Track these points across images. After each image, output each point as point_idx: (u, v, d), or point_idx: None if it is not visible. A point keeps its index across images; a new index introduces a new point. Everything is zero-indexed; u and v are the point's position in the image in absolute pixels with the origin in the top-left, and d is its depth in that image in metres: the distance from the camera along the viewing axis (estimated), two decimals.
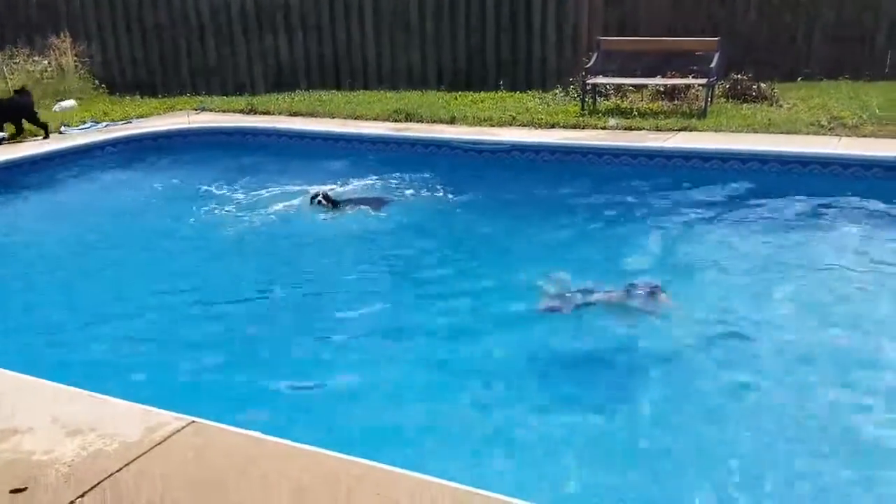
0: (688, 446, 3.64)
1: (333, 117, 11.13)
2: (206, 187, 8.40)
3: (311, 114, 11.37)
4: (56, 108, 11.91)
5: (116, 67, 13.96)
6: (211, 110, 12.03)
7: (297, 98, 12.54)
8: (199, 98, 12.90)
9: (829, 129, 8.75)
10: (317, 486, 2.75)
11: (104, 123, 11.02)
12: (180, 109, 12.16)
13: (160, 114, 11.92)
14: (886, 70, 12.04)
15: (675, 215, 7.09)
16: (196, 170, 9.42)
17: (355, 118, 10.99)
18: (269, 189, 8.25)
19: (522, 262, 6.14)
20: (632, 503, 3.26)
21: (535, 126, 9.89)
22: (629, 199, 7.63)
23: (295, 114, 11.44)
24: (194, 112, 11.89)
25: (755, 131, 8.86)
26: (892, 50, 12.00)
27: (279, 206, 7.69)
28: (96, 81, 13.54)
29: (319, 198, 7.37)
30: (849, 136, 8.52)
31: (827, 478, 3.40)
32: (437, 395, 4.18)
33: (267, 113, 11.58)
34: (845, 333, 4.65)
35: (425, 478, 2.76)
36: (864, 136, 8.50)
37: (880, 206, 6.90)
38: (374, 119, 10.87)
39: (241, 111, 11.75)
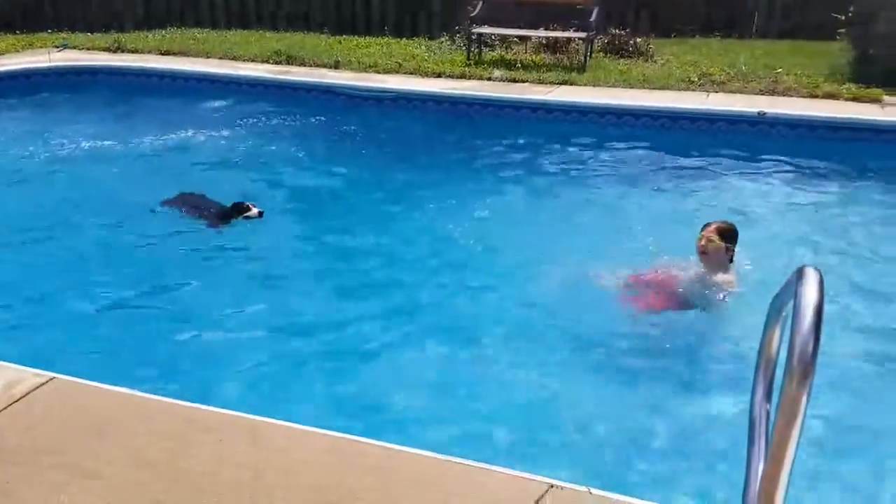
0: None
1: (208, 57, 10.60)
2: (66, 131, 7.82)
3: (184, 53, 10.77)
4: None
5: None
6: (74, 48, 11.14)
7: (168, 36, 11.85)
8: (62, 35, 11.91)
9: (700, 85, 9.15)
10: (173, 437, 2.71)
11: None
12: (40, 47, 11.15)
13: (17, 51, 10.94)
14: (754, 29, 12.68)
15: (553, 166, 7.27)
16: (57, 113, 8.77)
17: (232, 59, 10.52)
18: (138, 134, 7.81)
19: (406, 214, 6.14)
20: None
21: (421, 74, 9.79)
22: (511, 150, 7.75)
23: (166, 53, 10.80)
24: (56, 50, 10.95)
25: (631, 86, 9.15)
26: (759, 10, 12.64)
27: (147, 153, 7.32)
28: None
29: (251, 213, 5.60)
30: (717, 91, 8.94)
31: None
32: (282, 345, 4.18)
33: (136, 51, 10.87)
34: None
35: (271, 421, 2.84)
36: (731, 91, 8.94)
37: (742, 158, 7.32)
38: (252, 61, 10.45)
39: (108, 49, 10.94)
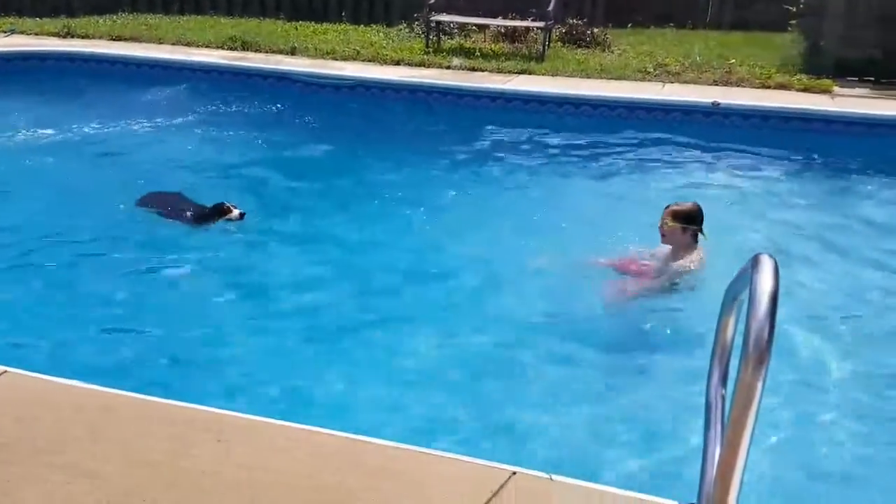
0: None
1: (161, 43, 10.37)
2: (13, 119, 7.57)
3: (136, 39, 10.52)
4: None
5: None
6: (22, 33, 10.78)
7: (120, 21, 11.55)
8: (9, 20, 11.51)
9: (656, 76, 9.27)
10: (170, 438, 2.66)
11: None
12: None
13: None
14: (708, 19, 12.88)
15: (511, 155, 7.30)
16: (3, 100, 8.48)
17: (185, 45, 10.31)
18: (88, 122, 7.61)
19: (365, 203, 6.11)
20: None
21: (379, 62, 9.73)
22: (471, 139, 7.75)
23: (118, 38, 10.54)
24: (3, 35, 10.60)
25: (588, 76, 9.22)
26: (713, 1, 12.84)
27: (98, 142, 7.14)
28: None
29: (233, 216, 5.32)
30: (672, 82, 9.07)
31: None
32: (254, 339, 4.12)
33: (86, 37, 10.58)
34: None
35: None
36: (686, 82, 9.07)
37: (697, 148, 7.44)
38: (207, 47, 10.25)
39: (57, 35, 10.63)
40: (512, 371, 3.87)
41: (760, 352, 1.57)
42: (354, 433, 2.72)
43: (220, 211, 5.34)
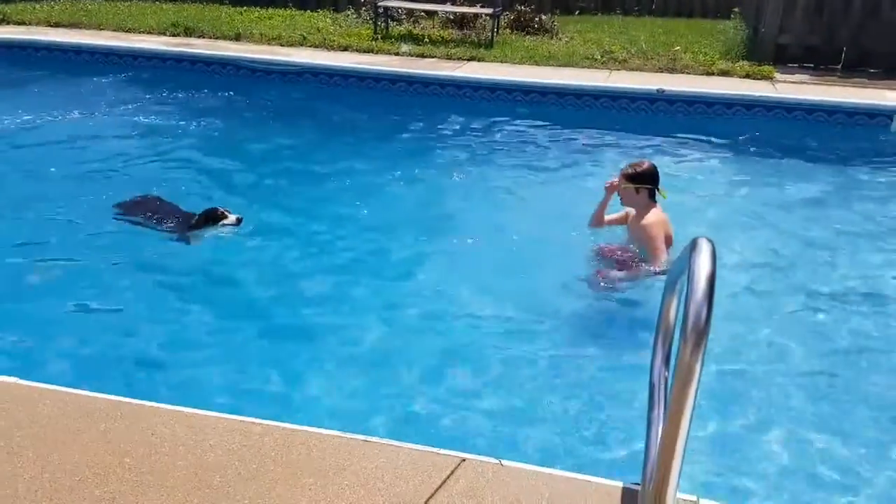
0: None
1: (101, 29, 10.09)
2: None
3: (76, 25, 10.24)
4: None
5: None
6: None
7: (58, 7, 11.20)
8: None
9: (603, 63, 9.36)
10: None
11: None
12: None
13: None
14: (653, 6, 13.05)
15: (461, 142, 7.30)
16: None
17: (126, 31, 10.05)
18: (26, 112, 7.35)
19: (314, 190, 6.05)
20: None
21: (327, 48, 9.63)
22: (420, 126, 7.73)
23: (56, 25, 10.23)
24: None
25: (537, 63, 9.26)
26: None
27: (37, 132, 6.91)
28: None
29: (229, 221, 4.85)
30: (619, 69, 9.17)
31: None
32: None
33: (22, 23, 10.26)
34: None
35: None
36: (632, 69, 9.18)
37: (642, 134, 7.55)
38: (149, 33, 10.01)
39: None
40: (467, 359, 3.87)
41: (699, 332, 1.61)
42: (297, 424, 2.71)
43: (213, 217, 4.81)
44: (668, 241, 4.46)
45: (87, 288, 4.37)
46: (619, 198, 4.66)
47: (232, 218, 4.84)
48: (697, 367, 1.63)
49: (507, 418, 3.41)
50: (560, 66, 9.21)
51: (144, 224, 5.01)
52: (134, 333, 3.96)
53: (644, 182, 4.52)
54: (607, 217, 4.82)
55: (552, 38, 10.75)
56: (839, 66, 9.52)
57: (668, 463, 1.76)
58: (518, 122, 7.86)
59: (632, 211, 4.64)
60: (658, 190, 4.55)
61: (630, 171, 4.55)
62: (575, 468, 2.63)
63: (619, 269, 4.51)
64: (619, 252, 4.65)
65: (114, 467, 2.45)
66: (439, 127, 7.72)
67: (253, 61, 8.94)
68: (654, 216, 4.48)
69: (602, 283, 4.46)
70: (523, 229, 5.30)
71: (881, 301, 4.52)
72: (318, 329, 4.11)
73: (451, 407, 3.48)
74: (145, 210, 5.12)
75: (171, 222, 4.97)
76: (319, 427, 2.72)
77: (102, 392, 2.86)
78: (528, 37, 10.74)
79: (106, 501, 2.30)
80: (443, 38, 10.38)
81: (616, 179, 4.62)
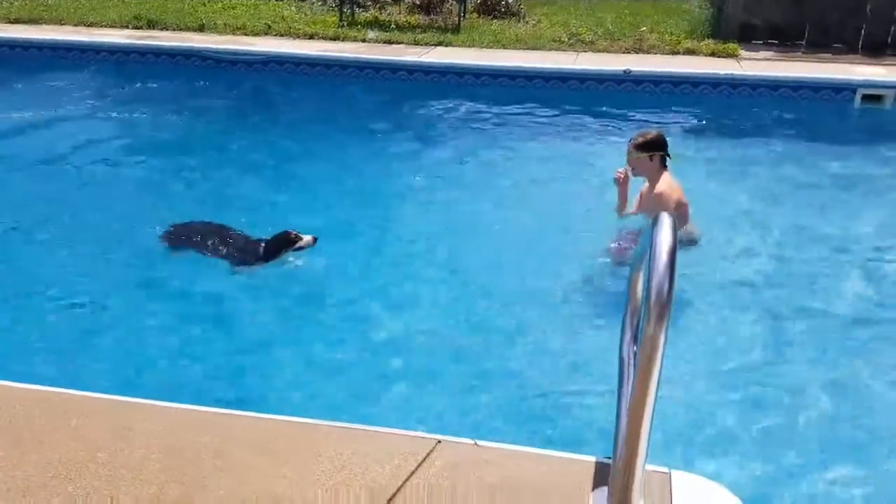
0: None
1: (62, 24, 9.91)
2: None
3: (35, 21, 10.06)
4: None
5: None
6: None
7: (16, 3, 10.97)
8: None
9: (570, 45, 9.38)
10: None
11: None
12: None
13: None
14: None
15: (430, 127, 7.30)
16: None
17: (88, 25, 9.88)
18: None
19: (285, 180, 6.01)
20: None
21: (292, 36, 9.55)
22: (389, 112, 7.71)
23: (15, 21, 10.05)
24: None
25: (505, 47, 9.26)
26: None
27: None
28: None
29: (304, 242, 4.41)
30: (586, 51, 9.19)
31: None
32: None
33: None
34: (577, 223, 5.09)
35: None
36: (599, 51, 9.21)
37: (610, 115, 7.59)
38: (111, 26, 9.85)
39: None
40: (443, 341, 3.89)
41: (661, 305, 1.63)
42: (272, 413, 2.71)
43: (287, 241, 4.39)
44: (683, 208, 4.48)
45: (55, 282, 4.33)
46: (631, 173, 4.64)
47: (308, 238, 4.38)
48: (661, 339, 1.65)
49: (483, 399, 3.44)
50: (528, 49, 9.21)
51: (200, 251, 4.53)
52: (106, 329, 3.94)
53: (656, 149, 4.52)
54: (631, 206, 4.80)
55: (519, 21, 10.74)
56: (803, 43, 9.62)
57: (635, 435, 1.78)
58: (486, 106, 7.86)
59: (644, 186, 4.66)
60: (668, 155, 4.57)
61: (640, 140, 4.55)
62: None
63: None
64: (632, 244, 4.65)
65: (87, 463, 2.43)
66: (407, 113, 7.70)
67: (216, 51, 8.84)
68: (665, 184, 4.48)
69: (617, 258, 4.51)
70: (497, 213, 5.32)
71: (847, 272, 4.61)
72: (288, 318, 4.09)
73: (427, 392, 3.50)
74: (204, 237, 4.58)
75: (233, 250, 4.49)
76: (293, 416, 2.73)
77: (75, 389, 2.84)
78: (495, 21, 10.72)
79: (80, 497, 2.29)
80: (409, 23, 10.33)
81: (622, 171, 4.62)
